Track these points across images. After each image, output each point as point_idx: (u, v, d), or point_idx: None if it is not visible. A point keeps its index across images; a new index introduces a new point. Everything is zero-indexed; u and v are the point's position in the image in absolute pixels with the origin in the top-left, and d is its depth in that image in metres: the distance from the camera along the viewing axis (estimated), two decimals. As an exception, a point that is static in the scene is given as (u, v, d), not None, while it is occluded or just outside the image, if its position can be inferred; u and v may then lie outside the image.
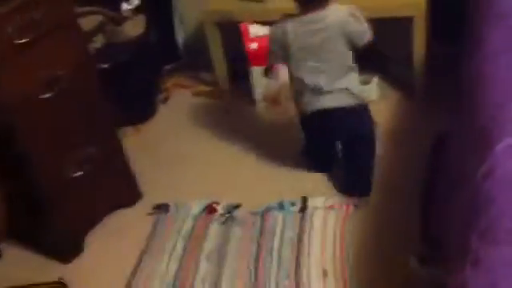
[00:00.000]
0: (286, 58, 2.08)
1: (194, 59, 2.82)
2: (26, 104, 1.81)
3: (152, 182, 2.28)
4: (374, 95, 2.46)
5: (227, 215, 2.12)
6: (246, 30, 2.47)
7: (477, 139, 1.37)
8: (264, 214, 2.10)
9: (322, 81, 2.02)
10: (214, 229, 2.09)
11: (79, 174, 1.99)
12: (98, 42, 2.35)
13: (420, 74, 2.43)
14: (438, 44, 2.46)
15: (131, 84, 2.49)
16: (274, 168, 2.30)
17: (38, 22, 1.76)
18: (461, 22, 1.95)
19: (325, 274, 1.86)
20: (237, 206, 2.14)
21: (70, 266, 2.05)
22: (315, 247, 1.95)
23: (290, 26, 2.02)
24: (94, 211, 2.13)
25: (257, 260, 1.95)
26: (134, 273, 1.97)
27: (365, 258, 1.90)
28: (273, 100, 2.60)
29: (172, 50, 2.81)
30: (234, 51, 2.59)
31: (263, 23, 2.46)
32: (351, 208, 2.06)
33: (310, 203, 2.10)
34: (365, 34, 2.02)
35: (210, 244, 2.03)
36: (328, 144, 2.22)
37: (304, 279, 1.86)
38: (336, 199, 2.10)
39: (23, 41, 1.73)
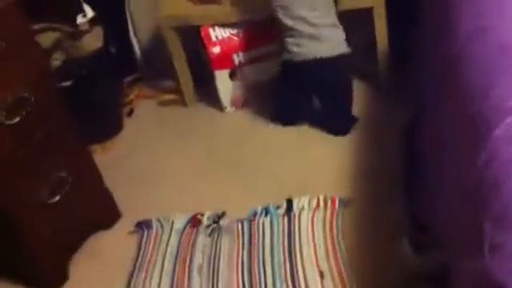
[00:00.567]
0: None
1: (154, 68, 2.75)
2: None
3: (129, 200, 2.21)
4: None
5: (213, 225, 2.07)
6: (207, 34, 2.42)
7: (468, 127, 1.37)
8: (250, 220, 2.07)
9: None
10: (202, 241, 2.04)
11: (55, 199, 1.91)
12: (58, 59, 2.25)
13: (383, 63, 2.44)
14: (399, 32, 2.47)
15: (94, 100, 2.40)
16: (253, 171, 2.26)
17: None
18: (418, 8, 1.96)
19: (321, 275, 1.84)
20: (222, 215, 2.10)
21: (55, 296, 1.96)
22: (307, 249, 1.93)
23: None
24: (74, 236, 2.05)
25: (250, 268, 1.92)
26: (125, 296, 1.91)
27: (358, 252, 1.89)
28: (241, 103, 2.56)
29: (131, 61, 2.74)
30: (195, 56, 2.54)
31: (222, 26, 2.42)
32: (337, 203, 2.05)
33: (296, 204, 2.08)
34: None
35: (199, 257, 1.99)
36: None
37: (301, 282, 1.84)
38: (321, 196, 2.08)
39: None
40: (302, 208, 2.06)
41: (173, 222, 2.12)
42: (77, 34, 2.26)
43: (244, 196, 2.16)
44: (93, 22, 2.31)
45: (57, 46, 2.22)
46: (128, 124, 2.63)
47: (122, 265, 2.00)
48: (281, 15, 2.17)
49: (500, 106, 1.28)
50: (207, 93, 2.61)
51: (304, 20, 2.12)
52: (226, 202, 2.14)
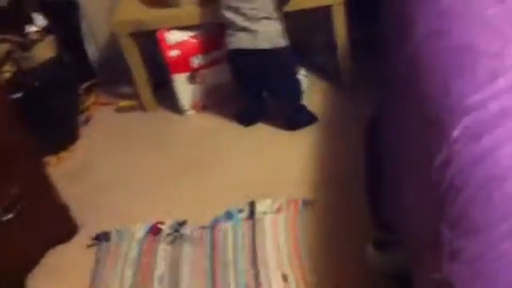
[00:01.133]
0: None
1: (110, 74, 2.69)
2: None
3: (87, 212, 2.15)
4: (304, 86, 2.44)
5: (175, 234, 2.03)
6: (164, 38, 2.37)
7: (426, 127, 1.36)
8: (213, 226, 2.03)
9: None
10: (163, 250, 1.99)
11: (8, 217, 1.84)
12: (8, 71, 2.18)
13: (344, 61, 2.43)
14: (360, 30, 2.46)
15: (48, 110, 2.33)
16: (215, 176, 2.22)
17: None
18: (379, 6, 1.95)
19: (285, 278, 1.82)
20: (183, 223, 2.05)
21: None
22: (270, 253, 1.90)
23: None
24: (30, 252, 1.98)
25: (212, 276, 1.88)
26: (84, 311, 1.86)
27: (321, 254, 1.87)
28: (201, 106, 2.53)
29: (86, 68, 2.67)
30: (153, 60, 2.49)
31: (179, 29, 2.38)
32: (300, 205, 2.03)
33: (258, 208, 2.05)
34: None
35: (160, 267, 1.94)
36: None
37: (265, 287, 1.81)
38: (283, 198, 2.06)
39: None
40: (265, 211, 2.04)
41: (133, 233, 2.06)
42: (27, 43, 2.19)
43: (206, 201, 2.11)
44: (44, 30, 2.25)
45: (6, 57, 2.16)
46: (85, 132, 2.56)
47: (81, 279, 1.95)
48: (221, 7, 2.21)
49: (456, 106, 1.27)
50: (167, 97, 2.55)
51: (238, 11, 2.16)
52: (187, 209, 2.09)
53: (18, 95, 2.18)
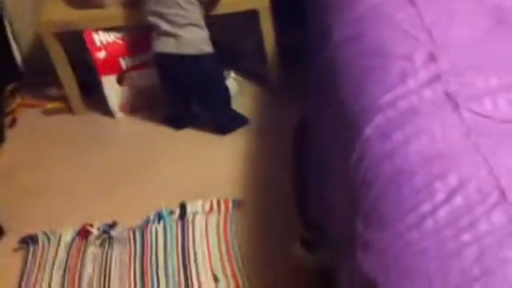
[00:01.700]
0: None
1: (37, 75, 2.63)
2: None
3: (14, 216, 2.10)
4: (233, 91, 2.47)
5: (104, 236, 2.01)
6: (91, 39, 2.35)
7: (344, 127, 1.41)
8: (143, 227, 2.03)
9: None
10: (91, 253, 1.97)
11: None
12: None
13: (273, 65, 2.47)
14: (286, 34, 2.52)
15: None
16: (145, 178, 2.22)
17: None
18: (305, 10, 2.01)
19: (215, 279, 1.84)
20: (113, 225, 2.04)
21: None
22: (201, 254, 1.92)
23: None
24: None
25: (142, 277, 1.88)
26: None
27: (252, 254, 1.90)
28: (130, 108, 2.51)
29: (11, 69, 2.60)
30: (81, 61, 2.45)
31: (107, 30, 2.36)
32: (230, 206, 2.06)
33: (189, 208, 2.06)
34: None
35: (89, 270, 1.92)
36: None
37: (195, 288, 1.83)
38: (214, 199, 2.08)
39: None
40: (196, 212, 2.05)
41: (60, 235, 2.03)
42: None
43: (137, 204, 2.11)
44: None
45: None
46: (10, 135, 2.50)
47: (7, 284, 1.91)
48: (145, 12, 2.21)
49: (369, 105, 1.33)
50: (96, 99, 2.52)
51: (163, 17, 2.17)
52: (118, 212, 2.08)
53: None
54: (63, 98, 2.56)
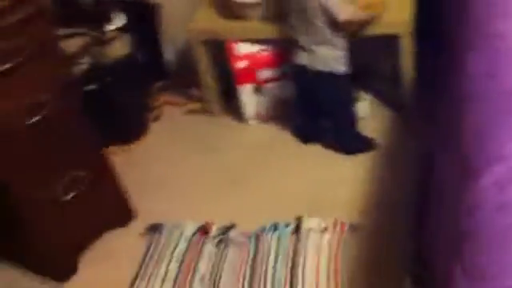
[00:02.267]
0: None
1: (183, 76, 2.80)
2: (9, 131, 1.78)
3: (145, 202, 2.27)
4: (364, 113, 2.45)
5: (221, 236, 2.11)
6: (233, 49, 2.46)
7: (461, 167, 1.35)
8: (258, 235, 2.09)
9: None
10: (208, 250, 2.08)
11: (68, 197, 1.97)
12: (85, 63, 2.34)
13: (408, 90, 2.41)
14: (425, 59, 2.44)
15: (120, 103, 2.48)
16: (266, 187, 2.29)
17: (21, 48, 1.74)
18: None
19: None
20: (231, 227, 2.13)
21: (62, 289, 2.03)
22: (309, 270, 1.94)
23: None
24: (86, 233, 2.12)
25: (251, 282, 1.94)
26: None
27: (360, 280, 1.89)
28: (265, 117, 2.59)
29: (161, 68, 2.79)
30: (223, 68, 2.58)
31: (249, 41, 2.45)
32: (346, 228, 2.05)
33: (305, 224, 2.08)
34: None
35: (203, 266, 2.02)
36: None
37: (299, 302, 1.85)
38: (331, 220, 2.08)
39: (5, 67, 1.72)
40: (311, 229, 2.07)
41: (183, 229, 2.16)
42: (104, 40, 2.33)
43: (255, 211, 2.18)
44: (121, 30, 2.39)
45: (84, 50, 2.31)
46: (154, 128, 2.69)
47: (130, 266, 2.06)
48: (286, 26, 2.29)
49: (490, 154, 1.26)
50: (233, 105, 2.64)
51: (301, 32, 2.23)
52: (236, 215, 2.17)
53: (93, 87, 2.33)
54: (204, 100, 2.70)
